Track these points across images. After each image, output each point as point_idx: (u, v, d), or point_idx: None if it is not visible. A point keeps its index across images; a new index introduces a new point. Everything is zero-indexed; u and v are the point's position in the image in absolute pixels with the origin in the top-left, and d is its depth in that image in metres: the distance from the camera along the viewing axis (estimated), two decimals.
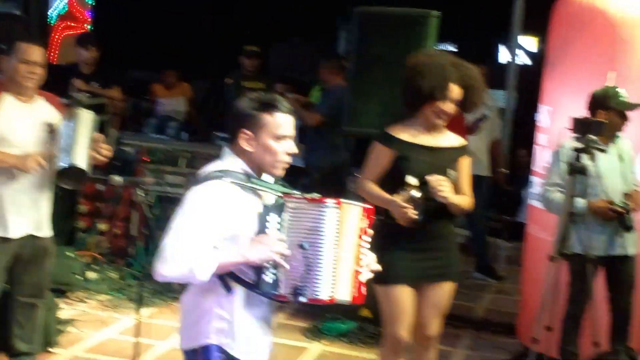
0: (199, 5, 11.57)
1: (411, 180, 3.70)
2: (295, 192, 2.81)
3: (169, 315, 5.59)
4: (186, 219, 2.68)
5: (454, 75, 3.82)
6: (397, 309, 3.91)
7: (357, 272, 2.73)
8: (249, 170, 2.78)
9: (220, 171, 2.75)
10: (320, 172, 7.07)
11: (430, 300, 3.97)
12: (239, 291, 2.78)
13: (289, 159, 2.81)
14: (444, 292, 3.98)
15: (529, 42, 11.96)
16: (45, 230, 4.30)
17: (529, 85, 8.03)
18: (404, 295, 3.90)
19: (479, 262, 7.27)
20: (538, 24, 6.60)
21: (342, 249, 2.70)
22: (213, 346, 2.80)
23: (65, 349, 4.97)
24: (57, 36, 7.53)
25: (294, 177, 7.17)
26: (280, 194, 2.78)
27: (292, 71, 11.29)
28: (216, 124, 8.51)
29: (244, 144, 2.77)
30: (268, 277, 2.70)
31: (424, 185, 3.72)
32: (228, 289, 2.76)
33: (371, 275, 2.85)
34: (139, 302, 4.46)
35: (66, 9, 7.87)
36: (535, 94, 5.62)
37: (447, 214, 3.88)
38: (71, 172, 3.97)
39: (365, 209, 2.77)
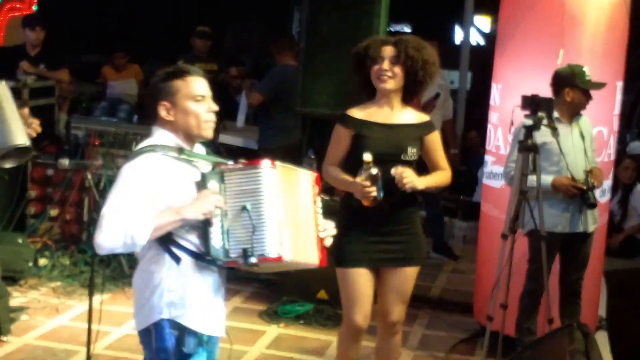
0: None
1: (367, 156, 3.65)
2: (229, 161, 2.88)
3: (123, 301, 5.56)
4: (121, 190, 2.74)
5: (389, 40, 3.85)
6: (355, 292, 3.88)
7: (316, 235, 2.88)
8: (181, 143, 2.85)
9: (151, 145, 2.81)
10: (271, 153, 7.04)
11: (392, 285, 3.93)
12: (187, 261, 2.81)
13: (212, 118, 2.89)
14: (406, 276, 3.93)
15: (483, 23, 12.01)
16: None
17: (482, 65, 8.09)
18: (362, 278, 3.87)
19: (436, 242, 7.31)
20: (491, 4, 6.63)
21: (286, 209, 2.78)
22: (165, 321, 2.82)
23: (17, 337, 4.90)
24: (1, 18, 7.35)
25: (250, 158, 7.21)
26: (214, 163, 2.86)
27: (247, 52, 11.23)
28: None
29: (165, 114, 2.85)
30: (215, 243, 2.75)
31: (382, 163, 3.67)
32: (177, 260, 2.78)
33: (330, 240, 2.96)
34: (92, 288, 4.39)
35: None
36: (488, 74, 5.63)
37: (410, 199, 3.86)
38: (12, 152, 3.87)
39: (316, 176, 2.94)
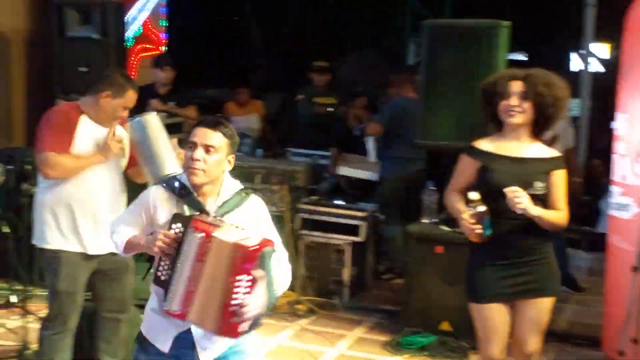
0: (268, 21, 11.70)
1: (472, 195, 3.70)
2: (209, 214, 3.05)
3: None
4: (128, 208, 3.32)
5: (518, 74, 3.82)
6: (490, 328, 3.86)
7: (225, 307, 2.87)
8: (187, 182, 3.07)
9: (167, 178, 3.21)
10: (388, 184, 7.10)
11: (527, 316, 3.87)
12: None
13: (199, 165, 3.01)
14: (541, 307, 3.87)
15: (602, 49, 11.74)
16: None
17: (602, 93, 7.91)
18: (496, 313, 3.84)
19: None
20: (610, 31, 6.51)
21: (206, 277, 2.90)
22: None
23: None
24: (134, 58, 7.74)
25: (370, 190, 7.28)
26: (197, 211, 3.06)
27: (360, 83, 11.37)
28: (289, 140, 8.65)
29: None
30: (161, 274, 3.02)
31: (501, 199, 3.67)
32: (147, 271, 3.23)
33: (246, 317, 2.92)
34: None
35: (141, 30, 8.07)
36: (608, 101, 5.53)
37: (538, 228, 3.77)
38: None
39: (239, 247, 2.87)
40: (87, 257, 4.30)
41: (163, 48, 8.22)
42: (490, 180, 3.76)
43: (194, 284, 2.90)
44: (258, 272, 2.89)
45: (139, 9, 7.95)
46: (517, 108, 3.77)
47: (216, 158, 3.01)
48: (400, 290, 6.24)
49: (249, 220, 3.08)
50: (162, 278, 2.98)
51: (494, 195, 3.70)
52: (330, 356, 5.26)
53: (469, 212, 3.69)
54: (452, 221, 5.60)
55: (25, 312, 5.15)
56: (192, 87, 8.82)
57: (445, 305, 5.52)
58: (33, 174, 5.28)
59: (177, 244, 2.92)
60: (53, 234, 4.27)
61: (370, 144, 7.51)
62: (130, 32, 7.32)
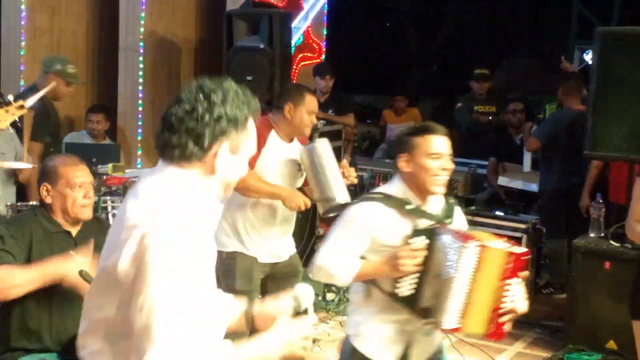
0: (424, 27, 11.69)
1: None
2: (449, 223, 3.10)
3: None
4: (337, 232, 3.10)
5: None
6: None
7: (496, 310, 2.92)
8: (411, 195, 3.08)
9: (379, 193, 3.12)
10: (548, 196, 6.93)
11: None
12: (376, 297, 3.09)
13: (444, 175, 3.07)
14: None
15: None
16: (291, 251, 4.60)
17: None
18: None
19: None
20: None
21: (479, 286, 2.91)
22: (348, 336, 3.20)
23: None
24: (295, 67, 7.93)
25: (530, 202, 7.13)
26: (435, 222, 3.06)
27: (518, 89, 11.14)
28: None
29: (403, 165, 3.09)
30: (403, 289, 2.99)
31: None
32: (368, 294, 3.10)
33: (515, 317, 3.00)
34: None
35: (302, 39, 8.24)
36: None
37: None
38: (335, 206, 4.25)
39: (511, 255, 2.95)
40: (260, 262, 4.44)
41: (323, 57, 8.36)
42: None
43: (470, 295, 2.91)
44: (524, 275, 3.02)
45: (302, 18, 8.13)
46: None
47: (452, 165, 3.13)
48: (562, 305, 6.09)
49: (458, 225, 3.16)
50: (407, 293, 2.99)
51: None
52: None
53: None
54: (622, 236, 5.43)
55: None
56: (349, 94, 8.95)
57: (612, 323, 5.33)
58: None
59: (424, 258, 2.96)
60: (228, 238, 4.39)
61: (527, 155, 7.36)
62: (293, 41, 7.49)
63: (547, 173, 6.96)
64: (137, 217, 1.98)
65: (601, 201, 5.64)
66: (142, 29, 7.68)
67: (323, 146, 4.33)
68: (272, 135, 4.36)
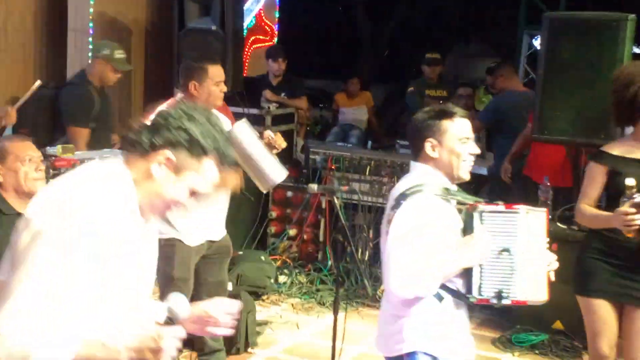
0: (375, 13, 11.72)
1: (629, 181, 3.46)
2: (483, 201, 3.00)
3: (358, 320, 5.75)
4: (412, 239, 2.82)
5: None
6: (599, 322, 3.79)
7: (542, 271, 2.93)
8: (444, 181, 2.96)
9: (419, 185, 2.90)
10: (494, 178, 7.00)
11: (636, 326, 3.73)
12: (448, 300, 2.92)
13: (472, 160, 3.00)
14: None
15: None
16: (221, 233, 4.52)
17: None
18: (605, 310, 3.77)
19: None
20: None
21: (533, 252, 2.90)
22: (419, 353, 2.93)
23: (263, 350, 5.23)
24: (247, 49, 7.89)
25: (480, 184, 7.21)
26: (474, 203, 2.96)
27: (467, 76, 11.25)
28: (396, 132, 8.66)
29: (431, 151, 2.96)
30: (475, 282, 2.87)
31: None
32: (440, 298, 2.90)
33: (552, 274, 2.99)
34: (337, 305, 4.60)
35: (254, 22, 8.21)
36: None
37: None
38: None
39: (548, 213, 3.02)
40: (196, 246, 4.39)
41: (275, 39, 8.34)
42: (621, 185, 3.56)
43: (532, 262, 2.88)
44: None
45: (255, 0, 8.10)
46: None
47: None
48: None
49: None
50: (477, 284, 2.87)
51: (619, 200, 3.55)
52: None
53: (628, 203, 3.43)
54: (569, 218, 5.53)
55: None
56: (301, 78, 8.94)
57: (558, 304, 5.28)
58: None
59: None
60: (164, 225, 4.22)
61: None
62: (245, 24, 7.45)
63: (497, 156, 7.04)
64: (34, 210, 2.04)
65: (548, 184, 5.73)
66: (91, 10, 7.56)
67: (240, 131, 4.25)
68: None
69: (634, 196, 3.44)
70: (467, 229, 2.90)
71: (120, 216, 2.08)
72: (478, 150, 3.02)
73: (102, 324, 2.11)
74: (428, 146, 2.97)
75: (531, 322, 5.57)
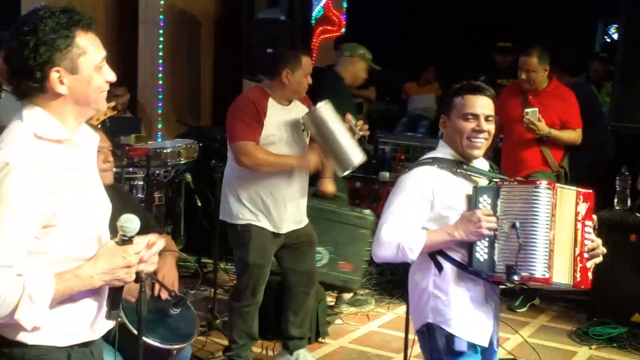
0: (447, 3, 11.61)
1: None
2: (506, 178, 2.98)
3: None
4: (395, 204, 2.91)
5: None
6: None
7: (578, 256, 2.84)
8: (459, 157, 2.95)
9: (430, 158, 2.97)
10: (579, 170, 6.89)
11: None
12: (451, 270, 2.92)
13: (480, 138, 2.93)
14: None
15: None
16: (303, 222, 4.60)
17: None
18: None
19: None
20: None
21: (557, 231, 2.81)
22: (435, 326, 2.96)
23: (334, 340, 5.25)
24: (315, 40, 7.93)
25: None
26: (492, 178, 2.95)
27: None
28: None
29: (442, 127, 3.01)
30: (480, 256, 2.85)
31: None
32: (439, 268, 2.92)
33: (597, 262, 2.92)
34: (407, 297, 4.61)
35: (322, 12, 8.24)
36: None
37: None
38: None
39: (582, 194, 2.88)
40: (275, 234, 4.46)
41: (343, 30, 8.35)
42: None
43: (553, 241, 2.80)
44: (594, 218, 2.93)
45: None
46: None
47: (494, 127, 2.98)
48: None
49: None
50: (482, 258, 2.85)
51: None
52: (512, 344, 5.21)
53: None
54: None
55: (214, 284, 5.42)
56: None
57: (637, 296, 5.36)
58: (220, 151, 5.55)
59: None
60: (242, 210, 4.42)
61: None
62: (313, 14, 7.49)
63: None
64: None
65: (627, 173, 5.63)
66: (162, 2, 7.70)
67: (325, 111, 4.29)
68: (271, 103, 4.39)
69: None
70: (471, 204, 2.88)
71: (40, 163, 2.15)
72: (488, 128, 2.92)
73: (68, 256, 2.19)
74: (441, 122, 3.03)
75: (609, 315, 5.49)
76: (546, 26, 9.90)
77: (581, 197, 2.88)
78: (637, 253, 5.38)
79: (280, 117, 4.40)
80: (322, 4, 8.18)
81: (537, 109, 5.20)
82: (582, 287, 2.89)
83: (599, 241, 2.92)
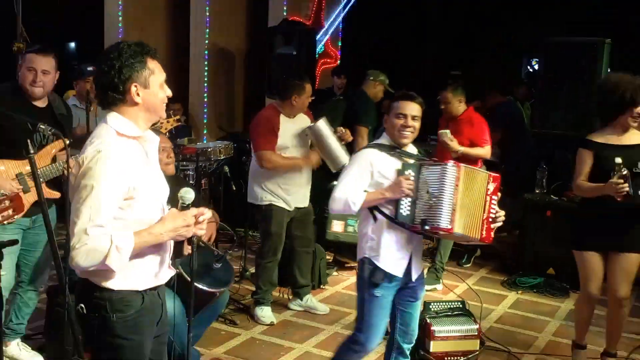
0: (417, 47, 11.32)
1: (618, 160, 3.41)
2: (426, 159, 3.09)
3: None
4: (348, 172, 3.05)
5: None
6: (589, 270, 3.68)
7: (485, 220, 2.93)
8: (394, 144, 3.05)
9: (374, 143, 3.13)
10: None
11: (618, 267, 3.63)
12: (383, 221, 3.02)
13: (407, 131, 3.03)
14: (630, 261, 3.62)
15: None
16: (307, 202, 4.60)
17: None
18: (593, 259, 3.66)
19: None
20: None
21: (461, 197, 2.89)
22: (366, 259, 3.06)
23: (331, 287, 5.24)
24: (318, 69, 7.90)
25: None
26: (416, 159, 3.05)
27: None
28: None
29: (384, 123, 3.11)
30: (403, 211, 2.95)
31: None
32: (375, 218, 3.02)
33: (499, 225, 2.99)
34: None
35: (323, 49, 8.22)
36: None
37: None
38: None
39: (492, 176, 2.97)
40: (288, 211, 4.46)
41: (338, 62, 8.33)
42: (605, 164, 3.51)
43: (456, 204, 2.88)
44: (498, 195, 2.99)
45: (323, 32, 8.11)
46: None
47: (419, 124, 3.07)
48: (514, 244, 6.01)
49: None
50: (405, 213, 2.95)
51: (605, 175, 3.48)
52: (460, 290, 5.24)
53: (616, 176, 3.38)
54: (559, 191, 5.43)
55: (245, 247, 5.47)
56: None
57: (551, 256, 5.38)
58: (248, 150, 5.54)
59: (416, 182, 2.94)
60: (265, 195, 4.43)
61: None
62: (317, 50, 7.47)
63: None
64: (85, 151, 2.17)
65: (545, 166, 5.63)
66: (207, 41, 7.70)
67: (323, 126, 4.34)
68: (282, 118, 4.39)
69: (622, 170, 3.39)
70: (399, 174, 2.98)
71: (123, 153, 2.17)
72: (413, 124, 3.01)
73: (142, 220, 2.20)
74: (384, 119, 3.11)
75: (530, 270, 5.49)
76: (485, 59, 9.86)
77: (491, 178, 2.97)
78: (551, 225, 5.37)
79: (289, 128, 4.39)
80: (322, 42, 8.15)
81: (448, 131, 4.90)
82: (487, 241, 2.99)
83: (502, 212, 2.99)
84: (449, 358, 3.88)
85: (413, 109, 3.03)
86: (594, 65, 5.12)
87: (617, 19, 7.15)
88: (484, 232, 2.94)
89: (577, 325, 3.93)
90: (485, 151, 5.02)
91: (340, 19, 8.37)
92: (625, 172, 3.38)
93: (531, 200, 5.54)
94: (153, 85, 2.22)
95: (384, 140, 3.10)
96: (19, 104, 3.24)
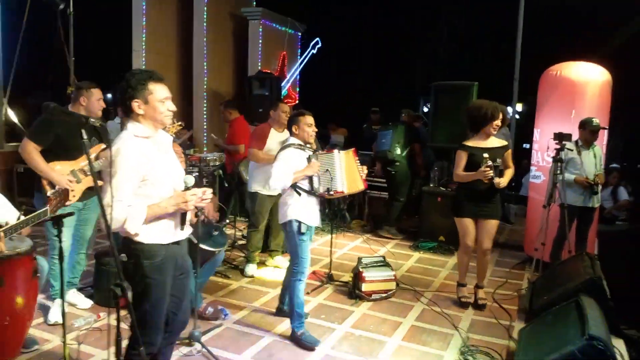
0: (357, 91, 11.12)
1: (486, 154, 3.59)
2: (323, 152, 3.27)
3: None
4: (278, 164, 3.12)
5: (498, 107, 3.73)
6: (465, 229, 3.79)
7: (360, 176, 3.23)
8: (303, 142, 3.23)
9: (291, 143, 3.21)
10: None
11: (485, 229, 3.76)
12: (303, 193, 3.15)
13: (312, 134, 3.23)
14: (492, 225, 3.76)
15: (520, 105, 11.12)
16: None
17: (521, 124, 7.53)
18: (468, 223, 3.78)
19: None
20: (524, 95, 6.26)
21: (347, 169, 3.19)
22: (293, 219, 3.16)
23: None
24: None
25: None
26: (316, 151, 3.23)
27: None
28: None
29: (294, 130, 3.22)
30: (315, 185, 3.13)
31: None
32: (298, 193, 3.14)
33: (365, 173, 3.30)
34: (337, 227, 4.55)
35: (287, 92, 8.25)
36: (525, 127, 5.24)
37: (494, 186, 3.67)
38: None
39: (353, 150, 3.30)
40: (271, 196, 4.37)
41: (297, 102, 8.36)
42: (475, 160, 3.66)
43: (346, 174, 3.16)
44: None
45: (286, 81, 8.14)
46: (498, 126, 3.70)
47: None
48: (416, 220, 6.09)
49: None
50: (316, 186, 3.14)
51: (475, 167, 3.64)
52: (382, 251, 5.25)
53: (485, 165, 3.55)
54: (446, 184, 5.58)
55: (234, 223, 5.42)
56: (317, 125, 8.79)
57: (441, 227, 5.48)
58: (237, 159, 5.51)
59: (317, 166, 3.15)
60: (254, 185, 4.36)
61: None
62: (282, 92, 7.49)
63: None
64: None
65: (436, 169, 5.75)
66: (205, 85, 7.63)
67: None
68: (272, 131, 4.34)
69: (488, 162, 3.56)
70: (309, 161, 3.16)
71: (137, 149, 2.16)
72: (314, 130, 3.23)
73: (155, 196, 2.20)
74: (293, 129, 3.24)
75: (428, 237, 5.56)
76: (391, 99, 9.94)
77: (352, 152, 3.29)
78: (441, 207, 5.47)
79: (275, 138, 4.33)
80: (286, 88, 8.18)
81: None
82: (364, 187, 3.25)
83: (364, 167, 3.30)
84: (375, 294, 3.95)
85: (310, 121, 3.26)
86: (467, 101, 5.31)
87: (481, 68, 7.44)
88: (363, 183, 3.27)
89: (459, 269, 4.03)
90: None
91: (297, 71, 8.43)
92: (490, 163, 3.55)
93: (428, 191, 5.66)
94: (152, 101, 2.20)
95: (296, 140, 3.25)
96: (71, 118, 3.21)
